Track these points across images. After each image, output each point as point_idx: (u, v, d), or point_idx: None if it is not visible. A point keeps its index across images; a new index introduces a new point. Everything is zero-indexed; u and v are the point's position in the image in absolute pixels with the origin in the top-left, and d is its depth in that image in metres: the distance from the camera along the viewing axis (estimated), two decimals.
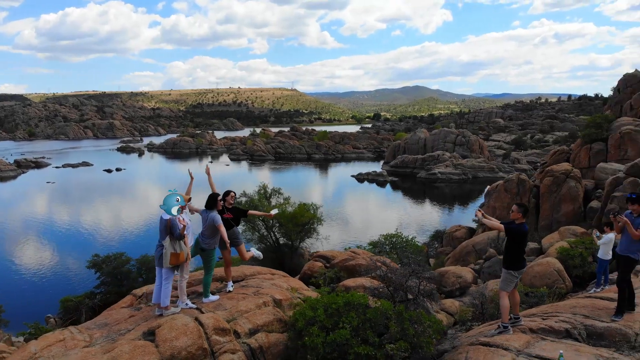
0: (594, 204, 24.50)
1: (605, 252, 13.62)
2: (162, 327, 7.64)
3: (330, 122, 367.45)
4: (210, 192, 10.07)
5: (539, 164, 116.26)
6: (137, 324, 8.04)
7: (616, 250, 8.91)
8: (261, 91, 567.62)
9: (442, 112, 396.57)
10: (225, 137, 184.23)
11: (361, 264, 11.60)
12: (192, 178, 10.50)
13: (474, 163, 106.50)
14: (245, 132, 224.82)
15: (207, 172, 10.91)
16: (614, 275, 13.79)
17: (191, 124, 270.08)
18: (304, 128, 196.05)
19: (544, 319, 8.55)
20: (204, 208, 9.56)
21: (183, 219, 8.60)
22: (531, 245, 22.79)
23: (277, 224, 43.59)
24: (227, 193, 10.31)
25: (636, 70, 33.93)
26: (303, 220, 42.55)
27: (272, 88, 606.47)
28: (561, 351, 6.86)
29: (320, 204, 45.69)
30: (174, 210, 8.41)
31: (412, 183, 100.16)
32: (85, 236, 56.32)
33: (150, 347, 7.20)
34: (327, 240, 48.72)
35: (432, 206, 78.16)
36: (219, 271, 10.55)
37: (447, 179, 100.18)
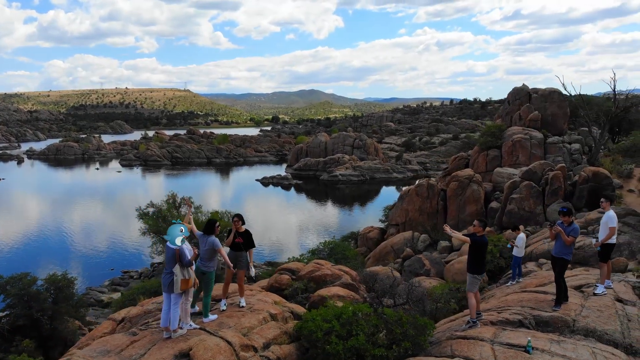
0: (494, 204, 27.94)
1: (518, 251, 15.94)
2: (197, 349, 7.86)
3: (227, 124, 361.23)
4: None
5: (427, 164, 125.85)
6: (147, 348, 8.08)
7: (552, 253, 10.84)
8: (151, 91, 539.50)
9: (337, 115, 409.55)
10: (114, 142, 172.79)
11: (327, 274, 12.42)
12: (190, 206, 10.80)
13: (370, 165, 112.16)
14: (136, 136, 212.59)
15: (188, 204, 11.20)
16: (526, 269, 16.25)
17: (74, 128, 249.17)
18: (201, 131, 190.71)
19: (499, 313, 10.10)
20: (201, 232, 9.81)
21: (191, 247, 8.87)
22: (443, 243, 25.30)
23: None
24: (239, 217, 10.62)
25: (523, 84, 39.07)
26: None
27: (163, 88, 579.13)
28: (529, 338, 8.35)
29: (233, 212, 45.45)
30: (178, 241, 8.75)
31: (315, 185, 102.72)
32: None
33: None
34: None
35: (338, 207, 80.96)
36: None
37: (348, 180, 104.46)
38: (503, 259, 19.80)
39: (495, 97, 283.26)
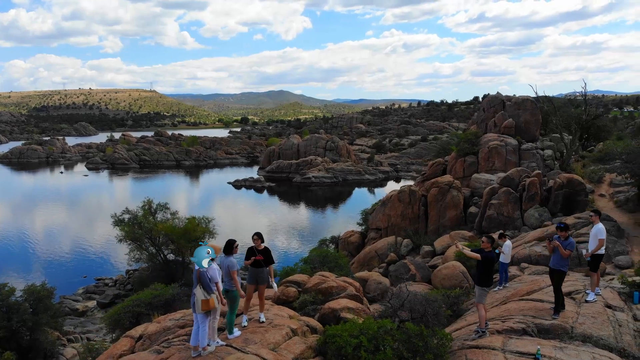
0: (473, 209, 28.92)
1: (505, 257, 16.75)
2: None
3: (195, 125, 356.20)
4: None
5: (398, 166, 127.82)
6: None
7: (550, 265, 11.60)
8: (116, 92, 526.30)
9: (307, 116, 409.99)
10: (79, 144, 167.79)
11: (333, 286, 12.73)
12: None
13: (343, 167, 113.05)
14: (101, 138, 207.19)
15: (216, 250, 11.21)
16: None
17: (36, 130, 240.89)
18: (170, 133, 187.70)
19: (503, 322, 10.71)
20: (222, 254, 10.02)
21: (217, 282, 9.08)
22: (426, 248, 26.04)
23: (169, 241, 42.22)
24: (259, 235, 10.80)
25: (498, 92, 40.45)
26: (196, 235, 41.83)
27: (128, 89, 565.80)
28: (539, 347, 8.96)
29: (212, 217, 45.11)
30: (205, 263, 8.92)
31: (288, 187, 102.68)
32: None
33: None
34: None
35: (314, 210, 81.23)
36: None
37: (321, 182, 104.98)
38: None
39: (461, 99, 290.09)
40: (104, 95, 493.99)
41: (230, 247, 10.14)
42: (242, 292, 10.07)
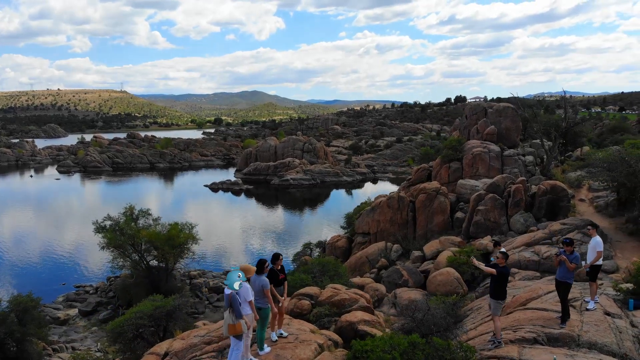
0: (459, 214, 29.73)
1: None
2: None
3: (168, 126, 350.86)
4: None
5: (375, 167, 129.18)
6: None
7: (556, 277, 12.26)
8: (85, 93, 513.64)
9: (281, 117, 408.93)
10: (49, 147, 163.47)
11: (345, 299, 13.05)
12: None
13: (321, 168, 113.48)
14: (72, 140, 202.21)
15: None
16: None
17: (4, 132, 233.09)
18: (142, 134, 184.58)
19: (515, 331, 11.28)
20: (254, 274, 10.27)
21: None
22: (416, 253, 26.66)
23: (152, 248, 41.76)
24: (277, 257, 11.07)
25: (480, 100, 41.55)
26: (180, 241, 41.51)
27: (98, 90, 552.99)
28: (555, 356, 9.50)
29: (196, 223, 44.82)
30: (236, 285, 9.23)
31: (266, 189, 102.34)
32: None
33: None
34: (204, 260, 48.01)
35: (294, 213, 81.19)
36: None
37: (299, 184, 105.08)
38: (477, 270, 21.38)
39: (433, 100, 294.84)
40: (73, 96, 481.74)
41: (261, 267, 10.46)
42: (275, 309, 10.40)
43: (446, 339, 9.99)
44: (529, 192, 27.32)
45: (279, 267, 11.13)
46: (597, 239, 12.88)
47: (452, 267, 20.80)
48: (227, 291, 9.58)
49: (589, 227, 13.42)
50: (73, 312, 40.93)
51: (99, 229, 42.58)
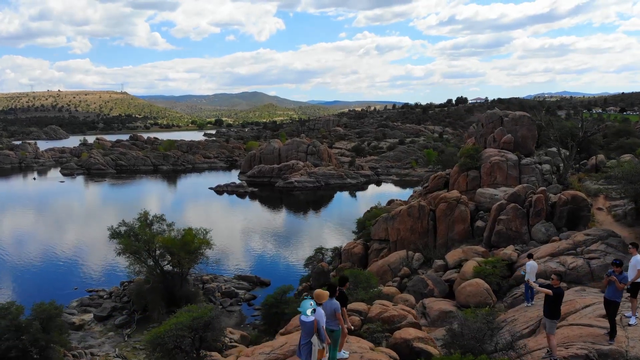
0: (479, 223, 30.13)
1: (530, 276, 17.85)
2: None
3: (169, 128, 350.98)
4: None
5: (379, 169, 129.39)
6: None
7: (605, 296, 12.72)
8: (86, 94, 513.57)
9: (282, 118, 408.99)
10: (51, 149, 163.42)
11: (394, 315, 13.39)
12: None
13: (325, 171, 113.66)
14: (73, 141, 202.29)
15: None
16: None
17: (5, 133, 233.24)
18: (145, 136, 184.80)
19: (567, 348, 11.68)
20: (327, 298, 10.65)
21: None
22: (438, 262, 26.99)
23: (166, 253, 41.99)
24: (345, 280, 11.39)
25: (496, 108, 42.00)
26: (195, 247, 41.77)
27: (98, 91, 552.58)
28: None
29: (209, 228, 45.05)
30: (308, 312, 9.67)
31: (270, 192, 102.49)
32: None
33: None
34: (218, 265, 48.24)
35: (301, 217, 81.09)
36: None
37: (303, 186, 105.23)
38: (502, 278, 21.85)
39: (433, 101, 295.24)
40: (74, 97, 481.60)
41: (334, 291, 10.82)
42: (346, 330, 10.78)
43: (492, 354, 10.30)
44: (549, 201, 27.71)
45: (346, 289, 11.50)
46: (638, 257, 13.30)
47: (480, 278, 21.14)
48: (304, 318, 9.96)
49: (630, 246, 13.84)
50: (88, 317, 40.96)
51: (114, 234, 42.83)
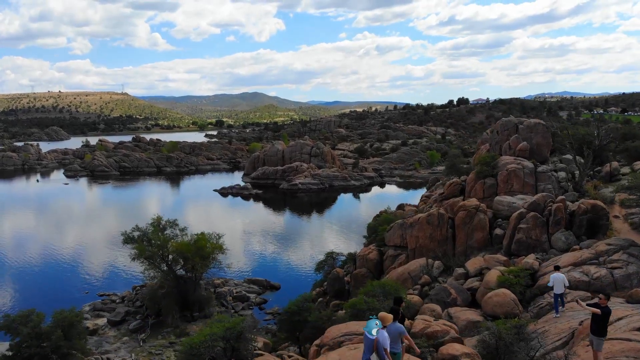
0: (498, 231, 30.38)
1: (558, 287, 18.12)
2: None
3: (170, 128, 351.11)
4: None
5: (382, 171, 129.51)
6: None
7: None
8: (86, 95, 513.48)
9: (283, 119, 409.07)
10: (54, 150, 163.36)
11: (437, 330, 13.67)
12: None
13: (329, 173, 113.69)
14: (75, 143, 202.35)
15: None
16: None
17: (6, 135, 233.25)
18: (148, 138, 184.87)
19: None
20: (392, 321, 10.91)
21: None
22: (458, 270, 27.19)
23: (179, 258, 42.13)
24: (401, 300, 11.64)
25: (510, 116, 42.33)
26: (208, 252, 41.92)
27: (99, 92, 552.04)
28: None
29: (222, 232, 45.15)
30: (374, 332, 9.88)
31: (274, 194, 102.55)
32: None
33: None
34: (230, 269, 48.39)
35: (307, 219, 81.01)
36: None
37: (307, 188, 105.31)
38: (526, 287, 22.15)
39: (434, 101, 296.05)
40: (74, 98, 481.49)
41: (397, 315, 11.08)
42: (414, 345, 11.02)
43: None
44: (567, 209, 27.96)
45: (402, 308, 11.76)
46: None
47: (505, 287, 21.37)
48: (369, 336, 10.22)
49: None
50: (101, 321, 40.91)
51: (128, 239, 43.00)
